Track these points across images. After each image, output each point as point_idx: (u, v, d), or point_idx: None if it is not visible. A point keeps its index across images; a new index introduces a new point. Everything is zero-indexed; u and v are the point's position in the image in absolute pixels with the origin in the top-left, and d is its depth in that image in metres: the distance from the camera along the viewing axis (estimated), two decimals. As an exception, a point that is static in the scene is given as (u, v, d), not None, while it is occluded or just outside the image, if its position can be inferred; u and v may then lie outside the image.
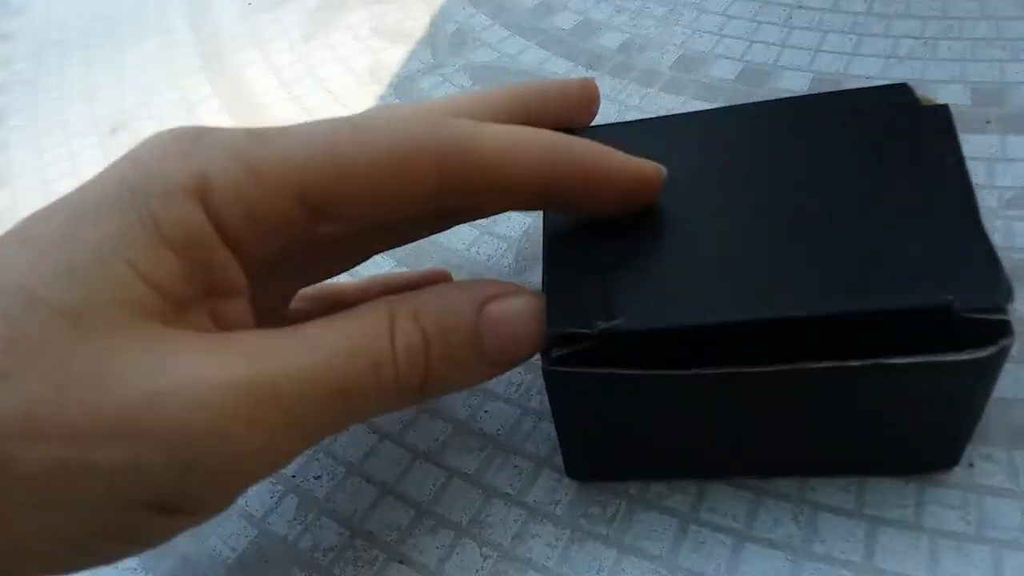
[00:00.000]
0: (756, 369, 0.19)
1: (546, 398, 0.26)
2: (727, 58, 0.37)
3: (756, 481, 0.23)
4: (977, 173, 0.30)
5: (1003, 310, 0.17)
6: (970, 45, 0.35)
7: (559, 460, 0.24)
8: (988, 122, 0.31)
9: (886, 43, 0.36)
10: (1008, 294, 0.17)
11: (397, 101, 0.41)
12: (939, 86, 0.34)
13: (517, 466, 0.24)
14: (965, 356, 0.18)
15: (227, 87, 0.45)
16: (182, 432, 0.14)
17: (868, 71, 0.35)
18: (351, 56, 0.45)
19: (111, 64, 0.51)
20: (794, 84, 0.35)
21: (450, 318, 0.19)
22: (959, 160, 0.21)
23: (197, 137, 0.16)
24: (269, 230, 0.17)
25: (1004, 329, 0.17)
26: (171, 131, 0.17)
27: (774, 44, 0.38)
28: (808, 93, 0.24)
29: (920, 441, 0.21)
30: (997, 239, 0.27)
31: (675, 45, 0.39)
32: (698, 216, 0.21)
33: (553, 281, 0.20)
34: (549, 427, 0.25)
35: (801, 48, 0.37)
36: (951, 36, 0.36)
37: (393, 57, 0.44)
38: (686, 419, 0.21)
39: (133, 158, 0.16)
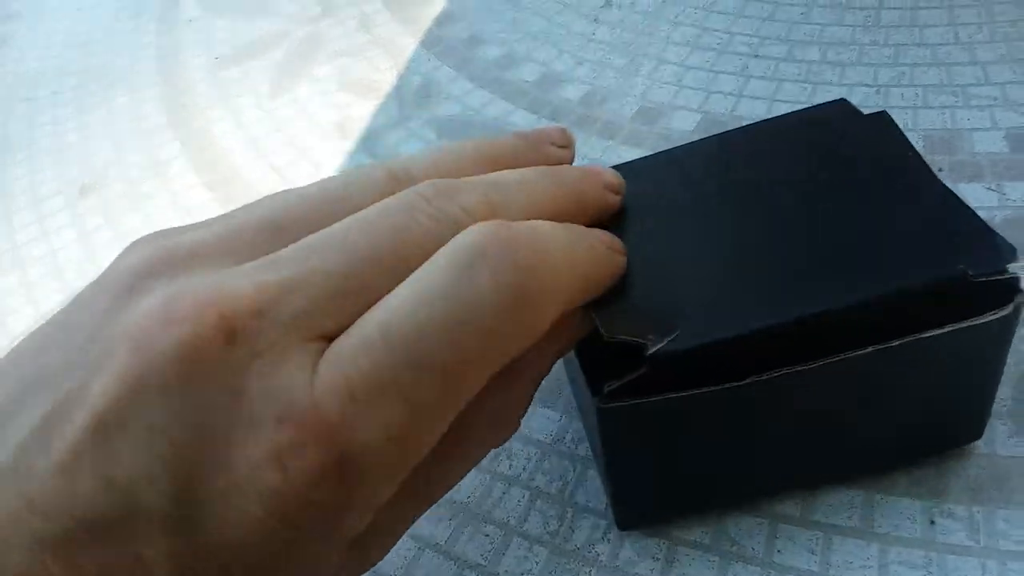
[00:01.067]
0: (803, 367, 0.20)
1: (515, 462, 0.26)
2: (686, 109, 0.38)
3: (725, 545, 0.23)
4: (931, 222, 0.30)
5: (1008, 270, 0.19)
6: (921, 92, 0.36)
7: (528, 527, 0.24)
8: (940, 170, 0.32)
9: (840, 92, 0.37)
10: (1012, 253, 0.19)
11: (365, 156, 0.41)
12: (892, 134, 0.34)
13: (488, 534, 0.25)
14: (989, 317, 0.19)
15: (195, 145, 0.46)
16: None
17: (823, 120, 0.36)
18: (318, 111, 0.45)
19: (79, 122, 0.51)
20: (752, 135, 0.36)
21: None
22: (915, 152, 0.23)
23: (347, 479, 0.15)
24: None
25: (1016, 286, 0.19)
26: (293, 449, 0.14)
27: (731, 94, 0.38)
28: (758, 121, 0.26)
29: (949, 416, 0.23)
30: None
31: (635, 96, 0.40)
32: (706, 235, 0.22)
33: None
34: (519, 492, 0.25)
35: (757, 98, 0.38)
36: (903, 83, 0.37)
37: (360, 111, 0.44)
38: (741, 434, 0.21)
39: (283, 516, 0.15)
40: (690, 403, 0.20)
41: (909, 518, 0.23)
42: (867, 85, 0.37)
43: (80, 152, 0.48)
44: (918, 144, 0.33)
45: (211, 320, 0.14)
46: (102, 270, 0.17)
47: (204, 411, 0.14)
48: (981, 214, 0.29)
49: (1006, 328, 0.20)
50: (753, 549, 0.23)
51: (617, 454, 0.22)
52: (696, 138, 0.36)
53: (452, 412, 0.16)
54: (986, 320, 0.19)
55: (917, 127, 0.34)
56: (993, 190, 0.31)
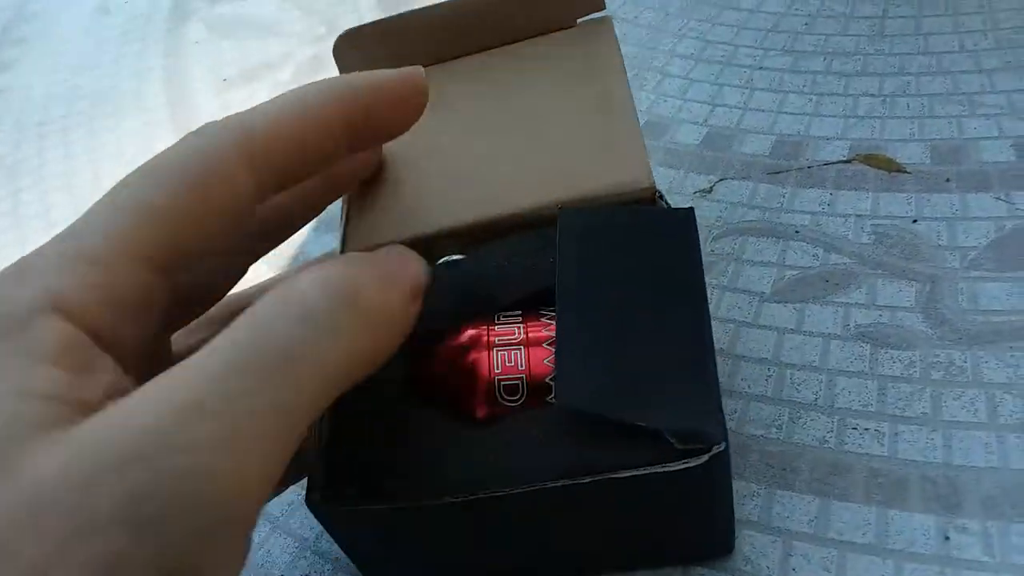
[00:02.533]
0: (496, 493, 0.19)
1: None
2: (691, 123, 0.38)
3: (739, 564, 0.23)
4: (939, 233, 0.30)
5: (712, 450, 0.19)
6: (928, 101, 0.36)
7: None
8: (948, 180, 0.32)
9: (845, 102, 0.37)
10: (722, 435, 0.19)
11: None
12: (899, 144, 0.34)
13: None
14: (681, 466, 0.19)
15: (204, 167, 0.46)
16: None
17: (828, 132, 0.36)
18: (325, 131, 0.45)
19: (89, 146, 0.52)
20: (757, 148, 0.36)
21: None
22: (698, 269, 0.22)
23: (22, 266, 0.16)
24: (131, 305, 0.16)
25: (713, 443, 0.19)
26: None
27: (736, 107, 0.38)
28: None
29: (687, 535, 0.23)
30: (961, 301, 0.28)
31: (640, 111, 0.40)
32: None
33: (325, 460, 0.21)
34: None
35: (762, 110, 0.38)
36: (909, 93, 0.36)
37: (367, 130, 0.44)
38: (464, 538, 0.22)
39: None
40: (389, 514, 0.20)
41: (923, 534, 0.22)
42: (872, 95, 0.37)
43: (91, 176, 0.48)
44: (925, 154, 0.33)
45: None
46: None
47: None
48: (989, 225, 0.30)
49: (706, 474, 0.19)
50: (768, 568, 0.23)
51: (343, 541, 0.22)
52: (703, 152, 0.36)
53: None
54: (679, 468, 0.19)
55: (924, 137, 0.34)
56: (1002, 200, 0.31)
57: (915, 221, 0.31)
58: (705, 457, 0.19)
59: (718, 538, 0.23)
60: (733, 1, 0.45)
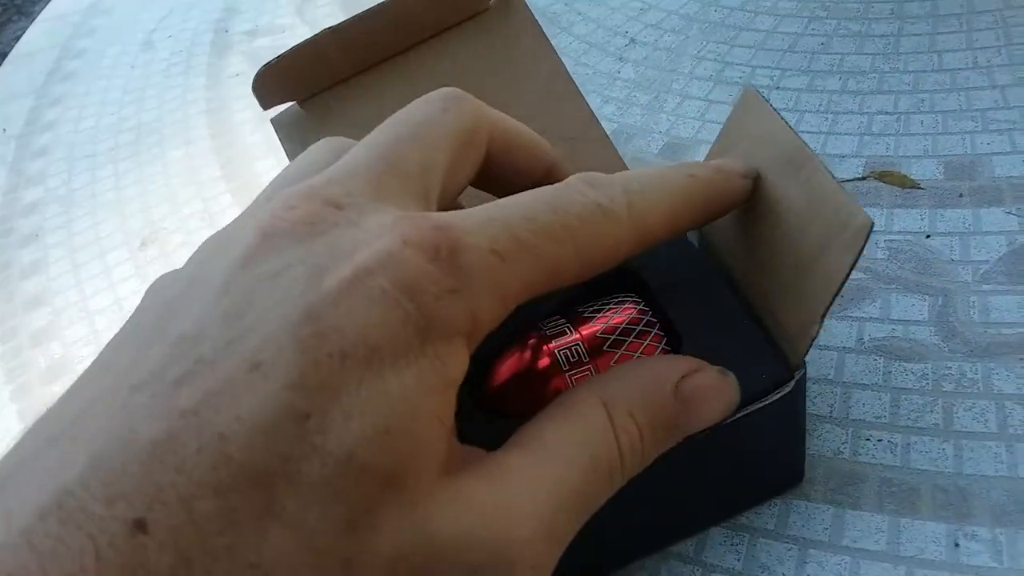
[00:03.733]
0: None
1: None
2: (710, 144, 0.39)
3: (756, 571, 0.24)
4: (952, 248, 0.31)
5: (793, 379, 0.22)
6: (941, 118, 0.37)
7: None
8: (961, 195, 0.33)
9: (861, 120, 0.38)
10: (791, 368, 0.22)
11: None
12: (912, 161, 0.35)
13: None
14: (774, 398, 0.22)
15: (247, 196, 0.48)
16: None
17: (844, 150, 0.37)
18: (359, 158, 0.47)
19: (138, 176, 0.54)
20: (775, 167, 0.37)
21: (657, 407, 0.20)
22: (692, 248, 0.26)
23: (452, 258, 0.16)
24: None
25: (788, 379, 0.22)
26: (415, 233, 0.16)
27: (754, 128, 0.39)
28: None
29: (769, 471, 0.26)
30: (973, 315, 0.29)
31: (660, 133, 0.41)
32: None
33: None
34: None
35: (780, 130, 0.39)
36: (923, 110, 0.37)
37: (399, 157, 0.46)
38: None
39: (398, 280, 0.15)
40: None
41: (934, 541, 0.23)
42: (887, 113, 0.38)
43: (140, 205, 0.51)
44: (938, 170, 0.34)
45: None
46: None
47: None
48: (1001, 239, 0.31)
49: (792, 399, 0.22)
50: (784, 575, 0.24)
51: None
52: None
53: (545, 270, 0.17)
54: (772, 400, 0.22)
55: (937, 153, 0.35)
56: (1014, 215, 0.31)
57: (928, 236, 0.32)
58: (792, 383, 0.22)
59: (796, 466, 0.26)
60: (751, 23, 0.47)
